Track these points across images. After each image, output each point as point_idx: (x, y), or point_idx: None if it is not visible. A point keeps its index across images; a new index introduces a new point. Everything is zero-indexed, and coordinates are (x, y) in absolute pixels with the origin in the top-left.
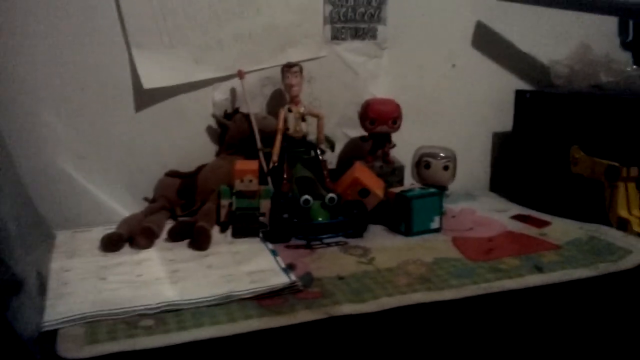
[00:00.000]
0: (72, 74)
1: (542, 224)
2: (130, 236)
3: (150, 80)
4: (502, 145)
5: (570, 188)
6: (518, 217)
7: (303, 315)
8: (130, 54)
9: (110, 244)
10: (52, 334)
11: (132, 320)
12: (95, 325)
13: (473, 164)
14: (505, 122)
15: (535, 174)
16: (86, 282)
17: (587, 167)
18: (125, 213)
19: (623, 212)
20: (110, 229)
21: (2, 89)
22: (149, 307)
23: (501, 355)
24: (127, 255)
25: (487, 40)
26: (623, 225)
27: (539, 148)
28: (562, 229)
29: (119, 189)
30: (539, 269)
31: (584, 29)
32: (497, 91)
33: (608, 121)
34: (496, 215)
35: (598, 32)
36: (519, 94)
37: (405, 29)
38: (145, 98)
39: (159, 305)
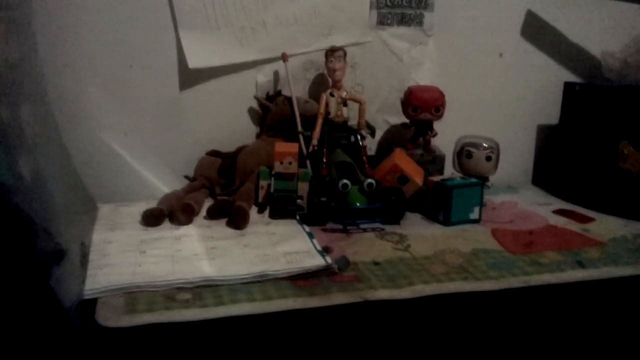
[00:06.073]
0: (120, 51)
1: (585, 219)
2: (170, 212)
3: (196, 60)
4: (547, 138)
5: (617, 184)
6: (561, 212)
7: (338, 298)
8: (177, 35)
9: (151, 218)
10: (92, 303)
11: (170, 293)
12: (134, 296)
13: (516, 156)
14: (551, 114)
15: (581, 169)
16: (127, 254)
17: (636, 163)
18: (166, 190)
19: None
20: (152, 204)
21: (52, 63)
22: (186, 281)
23: (539, 348)
24: (166, 231)
25: (536, 30)
26: None
27: (586, 142)
28: (606, 226)
29: (161, 166)
30: (581, 265)
31: (639, 21)
32: (544, 82)
33: None
34: (538, 208)
35: None
36: (568, 86)
37: (453, 16)
38: (190, 78)
39: (197, 279)
